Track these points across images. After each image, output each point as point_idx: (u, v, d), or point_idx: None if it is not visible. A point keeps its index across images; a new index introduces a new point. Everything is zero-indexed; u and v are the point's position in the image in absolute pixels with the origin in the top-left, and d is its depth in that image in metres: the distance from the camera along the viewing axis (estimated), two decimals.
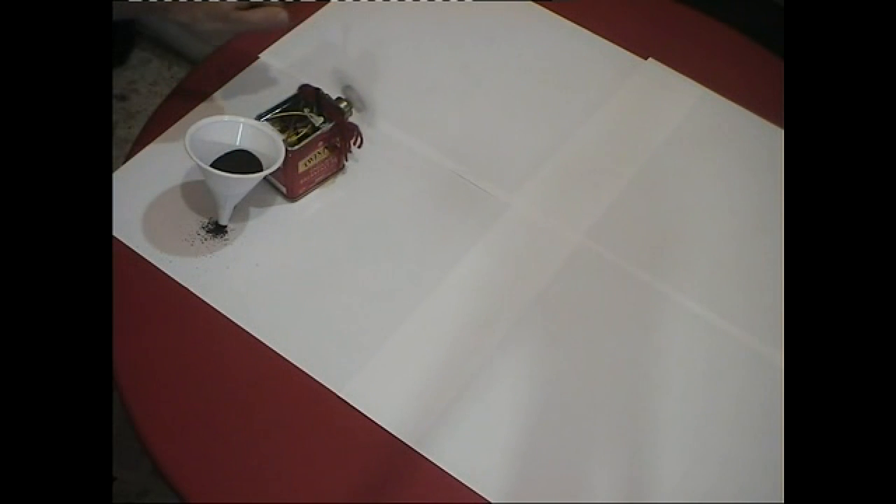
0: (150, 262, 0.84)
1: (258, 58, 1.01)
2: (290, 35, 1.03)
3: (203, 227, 0.86)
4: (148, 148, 0.92)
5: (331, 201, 0.90)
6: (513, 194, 0.93)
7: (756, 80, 1.06)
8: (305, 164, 0.87)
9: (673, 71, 1.06)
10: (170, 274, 0.83)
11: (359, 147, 0.91)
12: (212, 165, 0.81)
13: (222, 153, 0.84)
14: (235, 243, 0.86)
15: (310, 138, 0.85)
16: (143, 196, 0.88)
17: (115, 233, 0.85)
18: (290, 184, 0.88)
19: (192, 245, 0.85)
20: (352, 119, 0.89)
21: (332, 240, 0.87)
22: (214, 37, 0.97)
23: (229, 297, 0.82)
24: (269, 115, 0.87)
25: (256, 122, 0.85)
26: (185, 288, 0.83)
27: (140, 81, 1.78)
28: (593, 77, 1.04)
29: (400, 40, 1.05)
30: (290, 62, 1.01)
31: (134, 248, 0.85)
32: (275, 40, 1.03)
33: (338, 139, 0.88)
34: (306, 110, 0.88)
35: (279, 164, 0.83)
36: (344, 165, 0.92)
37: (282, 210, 0.89)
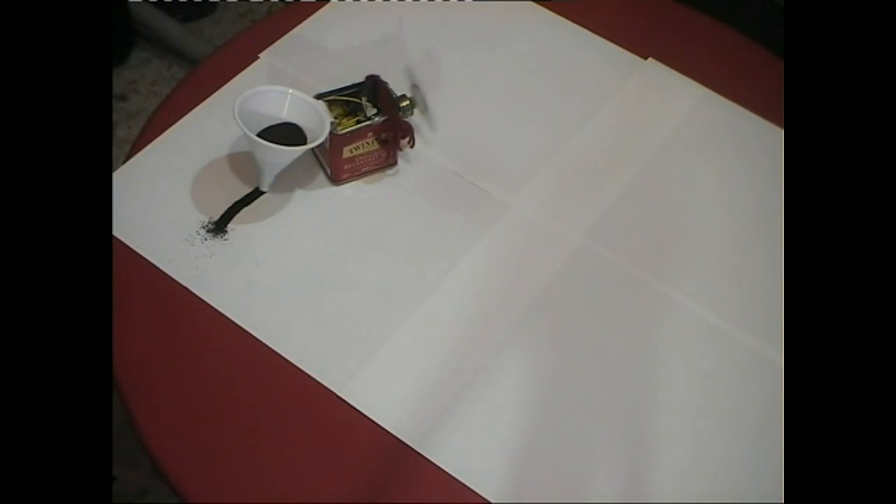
0: (150, 262, 0.84)
1: (258, 58, 1.01)
2: (291, 35, 1.03)
3: (203, 227, 0.86)
4: (148, 148, 0.92)
5: (332, 201, 0.90)
6: (513, 194, 0.93)
7: (756, 80, 1.06)
8: (351, 151, 0.87)
9: (673, 71, 1.06)
10: (170, 274, 0.83)
11: (411, 147, 0.91)
12: (259, 134, 0.83)
13: (270, 124, 0.85)
14: (235, 243, 0.86)
15: (359, 126, 0.85)
16: (143, 196, 0.88)
17: (115, 233, 0.85)
18: (333, 167, 0.89)
19: (192, 245, 0.85)
20: (412, 119, 0.88)
21: (332, 239, 0.87)
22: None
23: (229, 297, 0.82)
24: (331, 97, 0.87)
25: (304, 95, 0.85)
26: (185, 288, 0.83)
27: (140, 81, 1.78)
28: (593, 77, 1.04)
29: (400, 40, 1.05)
30: (290, 62, 1.01)
31: (134, 248, 0.85)
32: (275, 40, 1.03)
33: (387, 134, 0.88)
34: (364, 99, 0.88)
35: (321, 140, 0.83)
36: (396, 162, 0.92)
37: (281, 210, 0.89)
